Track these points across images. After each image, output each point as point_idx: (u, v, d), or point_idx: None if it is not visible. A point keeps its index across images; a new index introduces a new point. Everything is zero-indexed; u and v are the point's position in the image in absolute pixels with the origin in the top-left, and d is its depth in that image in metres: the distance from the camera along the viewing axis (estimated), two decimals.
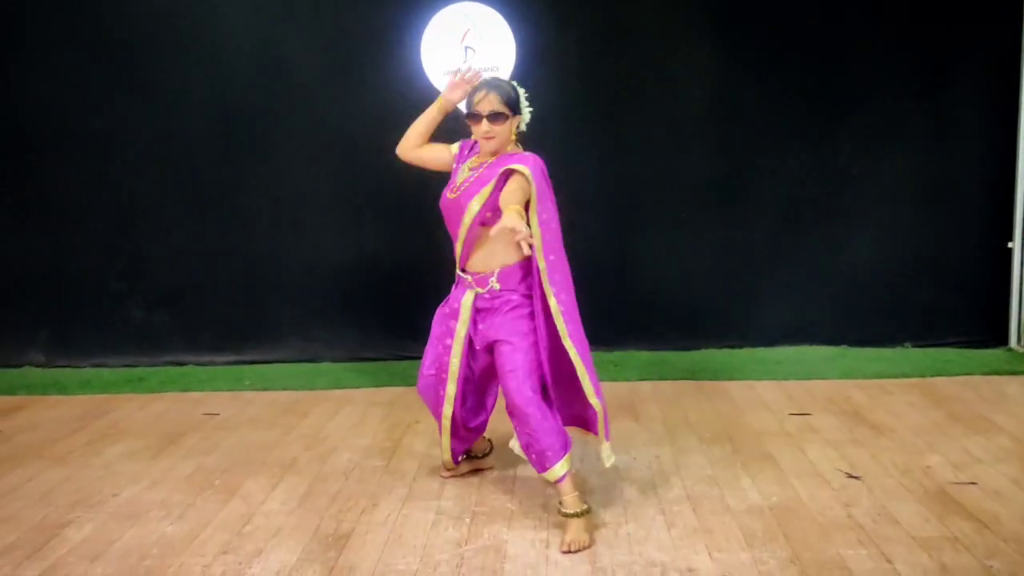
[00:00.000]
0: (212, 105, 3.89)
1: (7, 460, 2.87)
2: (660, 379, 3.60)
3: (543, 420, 2.20)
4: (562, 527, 2.19)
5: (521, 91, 2.30)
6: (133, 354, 4.01)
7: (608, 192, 3.93)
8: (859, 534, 2.16)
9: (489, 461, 2.66)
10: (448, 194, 2.34)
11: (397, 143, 2.52)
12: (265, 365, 3.95)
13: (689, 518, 2.28)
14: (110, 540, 2.26)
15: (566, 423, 2.34)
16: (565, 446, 2.22)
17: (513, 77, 3.49)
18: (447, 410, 2.42)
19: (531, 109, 2.32)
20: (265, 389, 3.65)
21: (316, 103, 3.87)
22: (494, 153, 2.28)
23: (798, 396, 3.32)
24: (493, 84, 2.25)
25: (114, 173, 3.94)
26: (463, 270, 2.34)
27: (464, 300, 2.32)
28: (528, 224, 2.08)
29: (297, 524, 2.32)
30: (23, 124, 3.93)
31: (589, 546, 2.13)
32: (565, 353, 2.21)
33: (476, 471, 2.63)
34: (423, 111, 2.46)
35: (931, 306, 3.93)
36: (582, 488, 2.34)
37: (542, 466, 2.22)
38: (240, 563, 2.11)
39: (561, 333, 2.19)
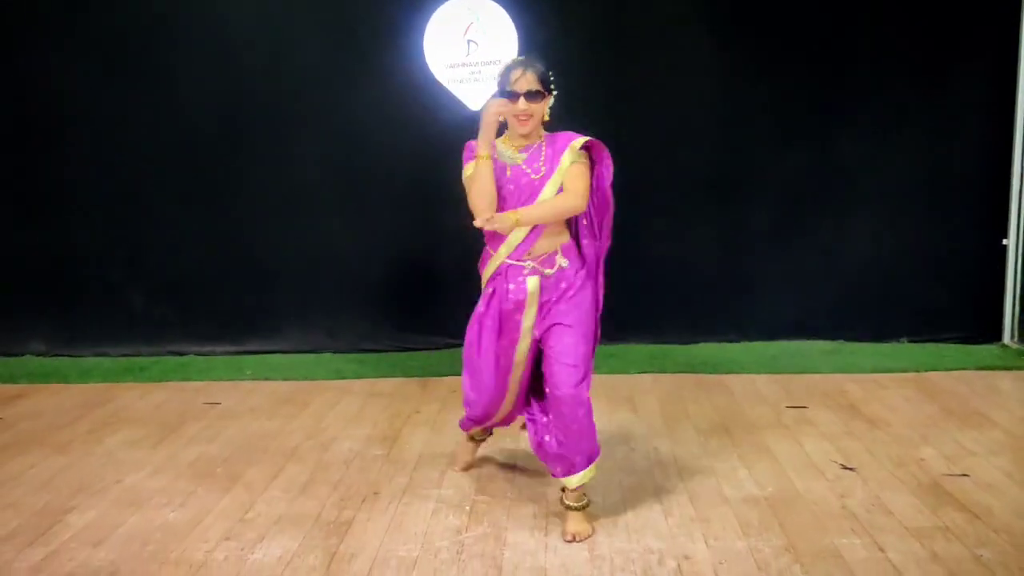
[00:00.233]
0: (213, 95, 3.90)
1: (9, 448, 2.89)
2: (659, 372, 3.63)
3: (589, 424, 2.14)
4: (562, 516, 2.22)
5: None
6: (134, 343, 4.02)
7: None
8: (853, 524, 2.19)
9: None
10: (531, 176, 2.16)
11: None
12: (266, 355, 3.97)
13: (686, 507, 2.31)
14: (113, 526, 2.28)
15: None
16: (595, 453, 2.19)
17: None
18: (505, 408, 2.33)
19: (555, 92, 2.21)
20: (266, 379, 3.67)
21: (318, 95, 3.88)
22: (527, 136, 2.16)
23: (795, 390, 3.35)
24: (529, 63, 2.13)
25: (116, 162, 3.95)
26: (521, 258, 2.19)
27: (530, 287, 2.18)
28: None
29: (299, 511, 2.34)
30: (25, 113, 3.94)
31: (590, 535, 2.16)
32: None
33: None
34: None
35: (927, 302, 3.96)
36: None
37: (566, 470, 2.16)
38: (242, 549, 2.14)
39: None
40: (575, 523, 2.17)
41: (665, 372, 3.63)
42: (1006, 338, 3.93)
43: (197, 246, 4.01)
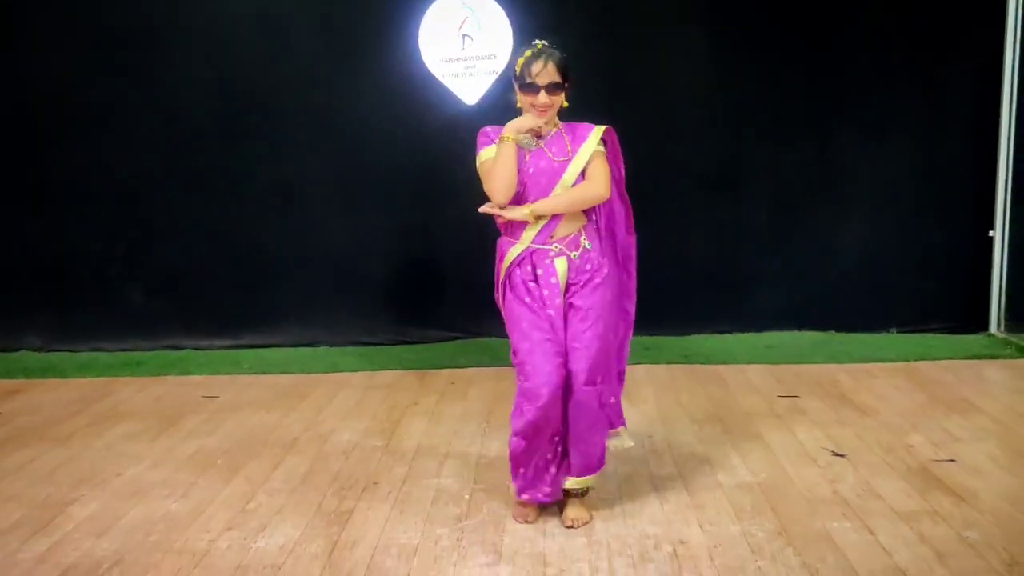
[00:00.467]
0: (211, 90, 3.91)
1: (9, 442, 2.90)
2: (653, 363, 3.68)
3: (590, 428, 2.14)
4: (561, 504, 2.26)
5: None
6: (131, 338, 4.03)
7: None
8: (844, 508, 2.24)
9: None
10: (552, 160, 2.14)
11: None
12: (264, 349, 3.98)
13: (681, 494, 2.36)
14: (116, 517, 2.30)
15: None
16: (593, 466, 2.20)
17: (510, 65, 3.52)
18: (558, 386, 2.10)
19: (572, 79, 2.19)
20: (264, 373, 3.69)
21: (315, 89, 3.89)
22: (545, 124, 2.14)
23: (787, 379, 3.41)
24: (550, 53, 2.08)
25: (113, 157, 3.95)
26: (545, 242, 2.14)
27: (559, 269, 2.14)
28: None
29: (300, 501, 2.37)
30: (23, 107, 3.93)
31: (588, 521, 2.21)
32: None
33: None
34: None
35: (916, 293, 4.02)
36: None
37: (583, 471, 2.18)
38: (245, 538, 2.17)
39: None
40: (574, 510, 2.21)
41: (659, 363, 3.68)
42: (993, 328, 4.00)
43: (194, 240, 4.02)
